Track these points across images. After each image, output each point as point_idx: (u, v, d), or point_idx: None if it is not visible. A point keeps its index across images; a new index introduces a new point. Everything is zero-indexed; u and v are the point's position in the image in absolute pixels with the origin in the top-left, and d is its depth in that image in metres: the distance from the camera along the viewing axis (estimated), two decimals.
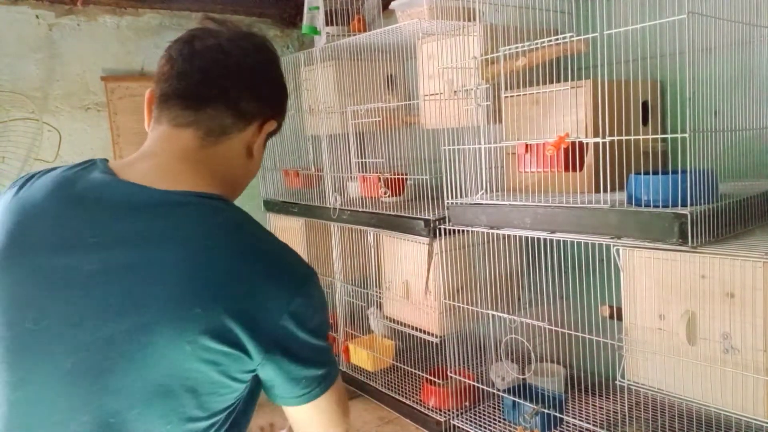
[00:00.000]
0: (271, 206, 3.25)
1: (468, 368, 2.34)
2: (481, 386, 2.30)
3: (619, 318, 1.67)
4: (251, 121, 0.91)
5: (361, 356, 2.70)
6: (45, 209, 0.82)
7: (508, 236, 2.22)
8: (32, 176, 0.87)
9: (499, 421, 2.24)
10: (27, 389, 0.78)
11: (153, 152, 0.87)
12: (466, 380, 2.34)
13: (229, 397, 0.81)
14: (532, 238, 1.98)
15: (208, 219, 0.80)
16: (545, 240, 1.89)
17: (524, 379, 2.19)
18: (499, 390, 2.24)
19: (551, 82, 1.96)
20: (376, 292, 2.64)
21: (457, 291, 2.24)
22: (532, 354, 2.07)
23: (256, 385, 0.87)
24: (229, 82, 0.88)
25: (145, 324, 0.74)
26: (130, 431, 0.76)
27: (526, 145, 1.89)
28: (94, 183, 0.83)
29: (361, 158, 2.62)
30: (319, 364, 0.86)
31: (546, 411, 2.03)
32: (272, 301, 0.78)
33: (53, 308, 0.77)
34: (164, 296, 0.74)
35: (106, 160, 0.87)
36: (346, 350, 2.80)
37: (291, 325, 0.80)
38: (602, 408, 2.17)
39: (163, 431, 0.76)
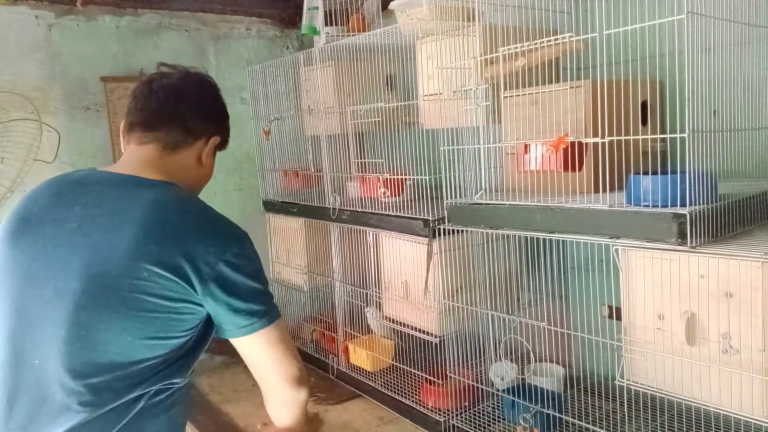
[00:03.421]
0: (271, 206, 3.25)
1: (467, 368, 2.33)
2: (480, 386, 2.30)
3: (618, 318, 1.67)
4: (199, 137, 1.22)
5: (360, 356, 2.70)
6: (44, 194, 1.15)
7: (508, 236, 2.22)
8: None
9: (499, 421, 2.24)
10: (21, 315, 1.07)
11: (125, 161, 1.20)
12: (466, 380, 2.33)
13: (180, 325, 1.07)
14: (532, 238, 1.98)
15: (163, 192, 1.12)
16: (544, 240, 1.89)
17: (523, 379, 2.19)
18: (498, 390, 2.24)
19: (550, 82, 1.96)
20: (375, 292, 2.64)
21: (457, 291, 2.24)
22: (532, 354, 2.07)
23: (206, 331, 1.14)
24: (177, 108, 1.20)
25: (115, 256, 1.02)
26: (97, 341, 1.02)
27: (526, 145, 1.89)
28: (81, 173, 1.18)
29: (361, 158, 2.62)
30: (257, 302, 1.12)
31: (545, 411, 2.03)
32: (210, 248, 1.06)
33: (44, 254, 1.07)
34: (129, 237, 1.03)
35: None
36: (346, 350, 2.80)
37: (226, 269, 1.07)
38: (601, 408, 2.17)
39: (121, 342, 1.03)
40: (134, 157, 1.19)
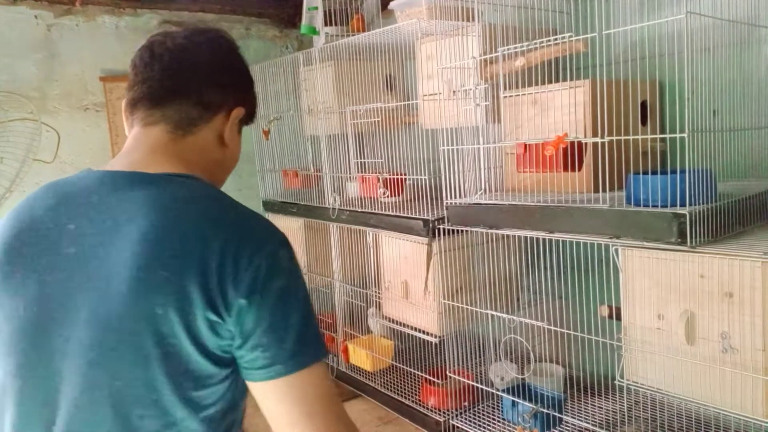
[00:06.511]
0: (271, 206, 3.24)
1: (467, 368, 2.33)
2: (480, 386, 2.30)
3: (618, 318, 1.67)
4: (217, 110, 0.95)
5: (360, 356, 2.70)
6: (32, 213, 0.87)
7: (507, 236, 2.22)
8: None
9: (499, 421, 2.24)
10: (25, 376, 0.82)
11: (128, 151, 0.92)
12: (466, 380, 2.33)
13: (213, 369, 0.80)
14: (531, 238, 1.98)
15: (176, 192, 0.84)
16: (544, 240, 1.89)
17: (523, 379, 2.18)
18: (498, 390, 2.24)
19: (550, 81, 1.96)
20: (375, 292, 2.64)
21: (456, 291, 2.24)
22: (531, 354, 2.07)
23: (244, 387, 0.87)
24: (187, 76, 0.93)
25: (117, 290, 0.77)
26: (119, 404, 0.78)
27: (525, 145, 1.89)
28: (78, 178, 0.90)
29: (360, 158, 2.62)
30: (285, 335, 0.80)
31: (545, 411, 2.03)
32: (238, 261, 0.78)
33: (40, 294, 0.81)
34: (131, 263, 0.77)
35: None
36: (345, 350, 2.79)
37: (260, 282, 0.79)
38: (601, 408, 2.17)
39: (146, 402, 0.78)
40: (139, 143, 0.92)
